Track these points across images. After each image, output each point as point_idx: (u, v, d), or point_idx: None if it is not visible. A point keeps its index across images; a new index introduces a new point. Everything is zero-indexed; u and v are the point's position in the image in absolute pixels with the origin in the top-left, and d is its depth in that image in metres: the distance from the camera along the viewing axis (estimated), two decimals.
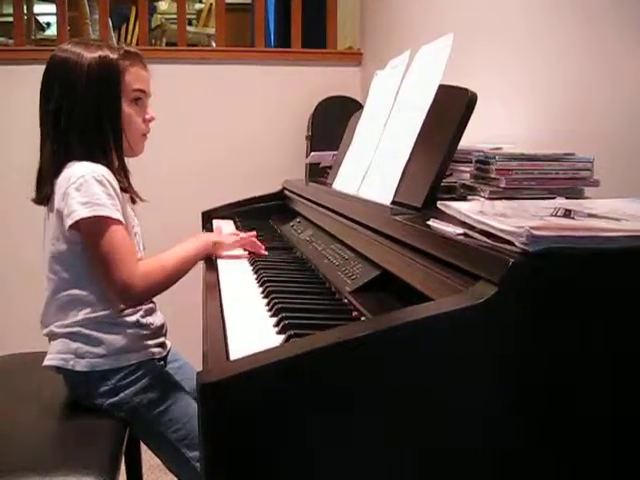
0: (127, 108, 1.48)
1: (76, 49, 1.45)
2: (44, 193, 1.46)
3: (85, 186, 1.36)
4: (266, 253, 1.57)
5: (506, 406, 0.70)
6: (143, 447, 1.61)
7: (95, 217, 1.35)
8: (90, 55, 1.44)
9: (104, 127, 1.45)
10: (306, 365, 0.66)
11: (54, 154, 1.44)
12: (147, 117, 1.54)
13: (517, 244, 0.71)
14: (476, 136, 1.31)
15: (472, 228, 0.83)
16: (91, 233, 1.37)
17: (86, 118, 1.43)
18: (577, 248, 0.70)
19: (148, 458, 1.67)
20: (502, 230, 0.75)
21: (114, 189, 1.40)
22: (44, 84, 1.47)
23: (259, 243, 1.59)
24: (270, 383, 0.65)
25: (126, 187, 1.50)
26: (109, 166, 1.44)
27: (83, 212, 1.35)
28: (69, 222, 1.36)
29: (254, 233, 1.64)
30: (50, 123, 1.45)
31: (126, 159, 1.56)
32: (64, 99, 1.43)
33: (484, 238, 0.78)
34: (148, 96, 1.54)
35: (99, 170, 1.39)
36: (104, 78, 1.44)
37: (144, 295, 1.44)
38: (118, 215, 1.38)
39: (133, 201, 1.57)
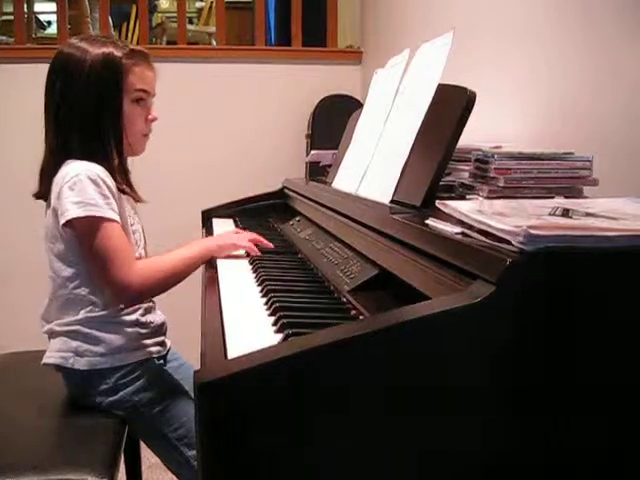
0: (128, 107, 1.47)
1: (81, 45, 1.44)
2: (42, 189, 1.47)
3: (79, 185, 1.36)
4: (272, 245, 1.54)
5: (503, 405, 0.70)
6: (143, 446, 1.61)
7: (88, 217, 1.35)
8: (94, 52, 1.43)
9: (104, 126, 1.44)
10: (303, 364, 0.66)
11: (54, 151, 1.44)
12: (149, 117, 1.52)
13: (514, 243, 0.71)
14: (476, 135, 1.31)
15: (470, 227, 0.83)
16: (85, 233, 1.37)
17: (86, 115, 1.43)
18: (574, 247, 0.70)
19: (148, 457, 1.67)
20: (500, 229, 0.75)
21: (109, 188, 1.39)
22: (48, 79, 1.46)
23: (263, 239, 1.55)
24: (266, 382, 0.65)
25: (124, 188, 1.48)
26: (108, 165, 1.43)
27: (75, 212, 1.35)
28: (62, 221, 1.36)
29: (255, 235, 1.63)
30: (51, 119, 1.45)
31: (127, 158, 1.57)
32: (65, 95, 1.43)
33: (482, 237, 0.78)
34: (152, 96, 1.53)
35: (94, 169, 1.39)
36: (105, 76, 1.43)
37: (141, 295, 1.43)
38: (112, 214, 1.37)
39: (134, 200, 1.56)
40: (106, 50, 1.44)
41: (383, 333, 0.68)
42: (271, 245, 1.55)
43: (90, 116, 1.43)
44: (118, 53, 1.44)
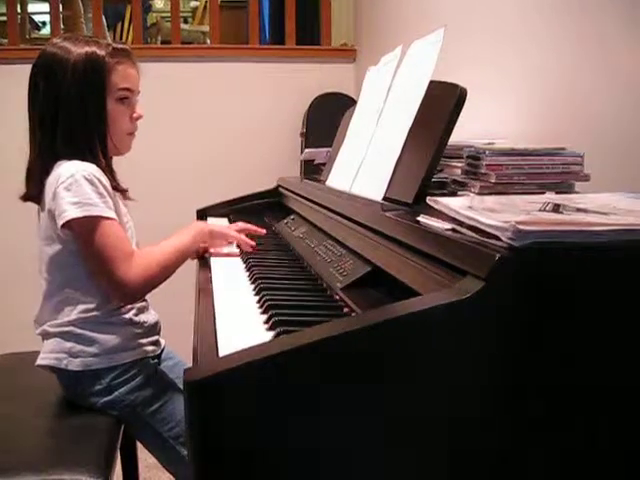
0: (112, 106, 1.46)
1: (64, 44, 1.43)
2: (32, 191, 1.46)
3: (75, 185, 1.35)
4: (264, 231, 1.62)
5: (493, 402, 0.70)
6: (140, 446, 1.61)
7: (87, 217, 1.35)
8: (77, 51, 1.42)
9: (89, 125, 1.43)
10: (292, 361, 0.66)
11: (41, 153, 1.43)
12: (134, 115, 1.51)
13: (503, 239, 0.71)
14: (468, 132, 1.31)
15: (461, 223, 0.83)
16: (84, 233, 1.36)
17: (70, 115, 1.42)
18: (564, 242, 0.70)
19: (145, 456, 1.67)
20: (489, 225, 0.74)
21: (104, 187, 1.39)
22: (31, 80, 1.45)
23: (253, 226, 1.64)
24: (256, 380, 0.65)
25: (114, 186, 1.48)
26: (98, 165, 1.43)
27: (74, 212, 1.34)
28: (60, 222, 1.35)
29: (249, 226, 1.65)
30: (36, 120, 1.44)
31: (119, 157, 1.56)
32: (49, 95, 1.42)
33: (472, 233, 0.78)
34: (136, 94, 1.52)
35: (89, 169, 1.38)
36: (88, 75, 1.42)
37: (141, 291, 1.43)
38: (110, 213, 1.37)
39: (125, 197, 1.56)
40: (89, 49, 1.43)
41: (373, 330, 0.68)
42: (263, 231, 1.62)
43: (74, 116, 1.42)
44: (101, 52, 1.43)
